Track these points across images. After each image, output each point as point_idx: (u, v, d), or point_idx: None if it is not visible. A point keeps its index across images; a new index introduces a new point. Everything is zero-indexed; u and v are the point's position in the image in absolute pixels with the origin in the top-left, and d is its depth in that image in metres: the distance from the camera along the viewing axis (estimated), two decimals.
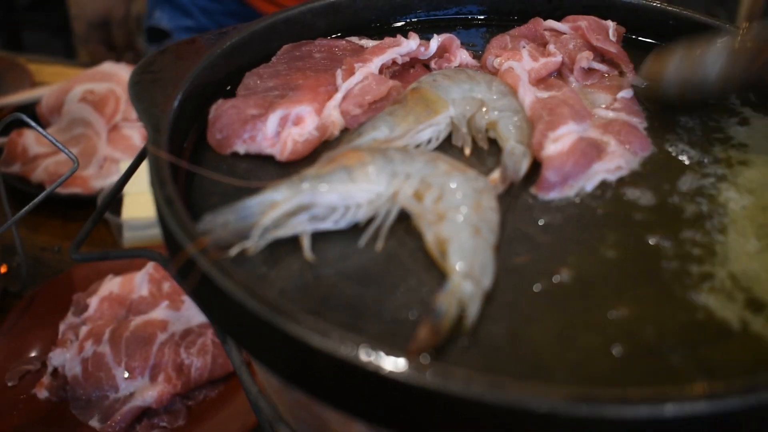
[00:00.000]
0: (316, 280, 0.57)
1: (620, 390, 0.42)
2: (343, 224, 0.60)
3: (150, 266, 1.20)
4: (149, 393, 1.06)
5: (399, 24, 0.92)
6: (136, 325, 1.12)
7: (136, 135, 1.47)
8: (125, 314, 1.16)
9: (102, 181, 1.40)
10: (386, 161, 0.60)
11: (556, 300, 0.55)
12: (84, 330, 1.13)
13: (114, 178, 1.40)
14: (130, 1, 2.08)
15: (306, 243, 0.58)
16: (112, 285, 1.19)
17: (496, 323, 0.53)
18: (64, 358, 1.10)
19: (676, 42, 0.78)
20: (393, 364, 0.44)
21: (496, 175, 0.65)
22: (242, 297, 0.48)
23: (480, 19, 0.93)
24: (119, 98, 1.48)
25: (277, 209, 0.57)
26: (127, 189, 1.31)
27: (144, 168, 1.20)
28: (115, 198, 0.80)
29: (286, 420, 0.63)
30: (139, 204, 1.30)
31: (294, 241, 0.59)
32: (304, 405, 0.58)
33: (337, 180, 0.58)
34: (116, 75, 1.53)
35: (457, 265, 0.54)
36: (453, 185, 0.59)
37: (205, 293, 0.53)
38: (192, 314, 1.14)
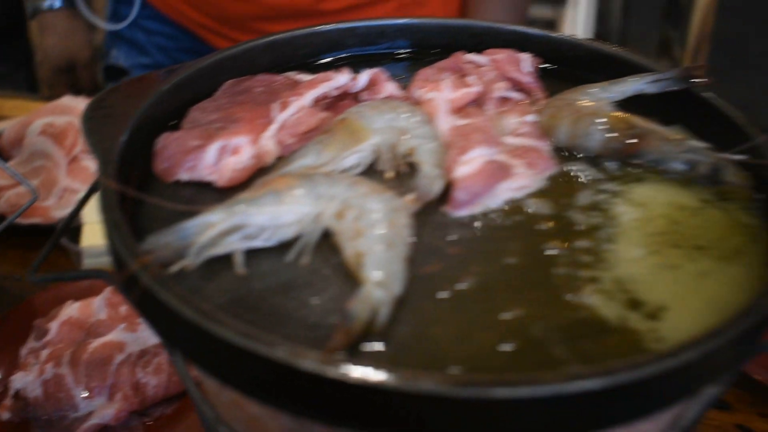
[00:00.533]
0: (247, 292, 0.64)
1: (494, 375, 0.50)
2: (272, 242, 0.67)
3: (108, 291, 1.26)
4: (107, 411, 1.12)
5: (334, 58, 1.00)
6: (94, 348, 1.18)
7: (94, 166, 1.53)
8: (84, 337, 1.21)
9: (62, 211, 1.46)
10: (312, 185, 0.68)
11: (458, 304, 0.63)
12: (45, 353, 1.18)
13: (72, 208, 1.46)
14: (93, 43, 2.14)
15: (239, 259, 0.66)
16: (71, 310, 1.25)
17: (405, 325, 0.61)
18: (25, 381, 1.16)
19: (590, 74, 0.89)
20: (307, 360, 0.51)
21: (411, 196, 0.73)
22: (177, 305, 0.56)
23: (407, 53, 1.02)
24: (78, 131, 1.55)
25: (213, 230, 0.65)
26: (86, 218, 1.38)
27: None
28: (71, 223, 0.86)
29: (225, 421, 0.70)
30: (98, 232, 1.36)
31: (229, 258, 0.67)
32: (238, 404, 0.65)
33: (266, 203, 0.66)
34: (75, 108, 1.59)
35: (370, 274, 0.61)
36: (371, 206, 0.67)
37: (147, 305, 0.60)
38: (148, 335, 1.20)
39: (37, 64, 2.20)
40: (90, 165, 1.53)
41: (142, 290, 0.59)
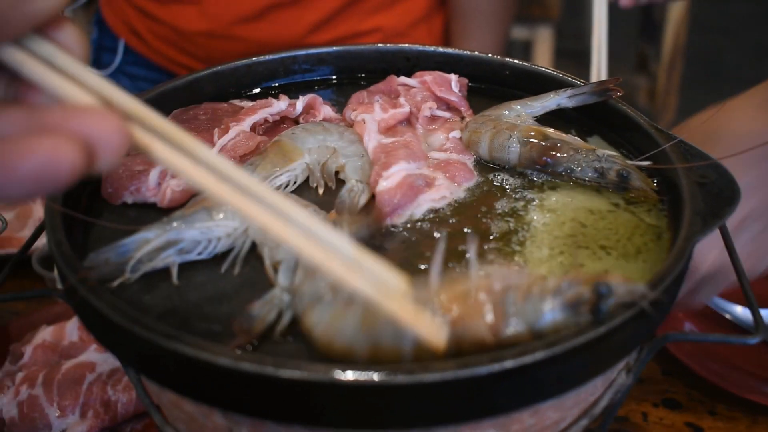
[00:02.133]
0: (182, 302, 0.71)
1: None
2: (206, 255, 0.74)
3: None
4: (79, 428, 1.17)
5: (275, 85, 1.07)
6: (66, 368, 1.24)
7: None
8: (57, 359, 1.27)
9: (38, 242, 1.52)
10: None
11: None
12: (20, 376, 1.24)
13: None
14: None
15: (174, 272, 0.72)
16: (45, 334, 1.31)
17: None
18: (1, 403, 1.21)
19: (516, 90, 0.98)
20: (211, 354, 0.57)
21: (333, 211, 0.80)
22: (108, 312, 0.62)
23: (344, 78, 1.09)
24: None
25: (149, 245, 0.71)
26: None
27: None
28: (31, 244, 0.92)
29: (171, 422, 0.76)
30: None
31: (167, 271, 0.73)
32: (177, 404, 0.71)
33: (199, 219, 0.73)
34: None
35: (281, 280, 0.68)
36: None
37: (85, 313, 0.66)
38: None
39: None
40: None
41: (80, 300, 0.65)
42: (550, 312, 0.59)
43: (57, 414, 1.19)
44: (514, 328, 0.59)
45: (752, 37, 5.52)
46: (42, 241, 1.54)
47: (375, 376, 0.56)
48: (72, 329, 1.30)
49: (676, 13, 3.82)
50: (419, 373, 0.57)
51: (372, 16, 1.70)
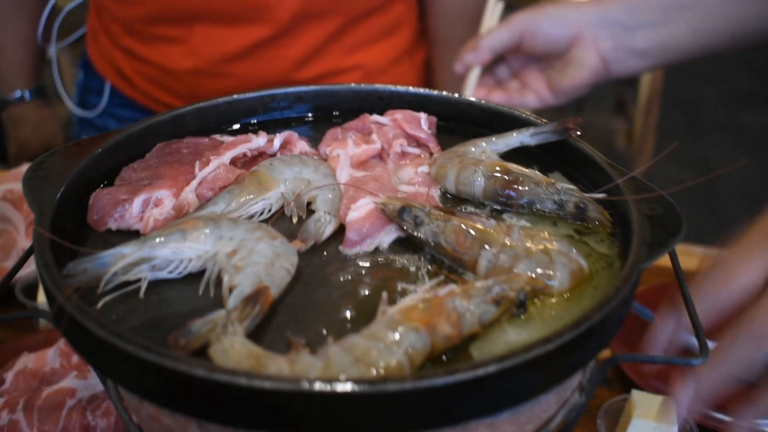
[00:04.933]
0: (162, 318, 0.76)
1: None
2: (177, 274, 0.80)
3: (61, 342, 1.36)
4: None
5: (254, 122, 1.13)
6: (47, 394, 1.28)
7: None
8: (38, 385, 1.31)
9: (21, 271, 1.57)
10: (215, 227, 0.81)
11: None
12: (0, 401, 1.28)
13: (31, 268, 1.56)
14: (66, 127, 2.20)
15: (143, 286, 0.79)
16: (26, 360, 1.35)
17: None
18: None
19: (482, 128, 1.05)
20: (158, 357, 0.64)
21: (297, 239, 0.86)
22: (94, 327, 0.67)
23: (321, 115, 1.16)
24: None
25: (125, 260, 0.77)
26: None
27: None
28: (17, 271, 0.97)
29: None
30: None
31: (149, 288, 0.79)
32: (154, 417, 0.75)
33: (172, 239, 0.79)
34: None
35: (231, 304, 0.74)
36: (259, 248, 0.79)
37: (73, 332, 0.71)
38: (97, 382, 1.30)
39: (10, 157, 2.26)
40: None
41: (68, 318, 0.70)
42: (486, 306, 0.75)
43: None
44: (469, 323, 0.73)
45: (730, 83, 5.64)
46: (25, 270, 1.59)
47: (343, 387, 0.62)
48: (53, 356, 1.35)
49: None
50: (381, 384, 0.62)
51: (353, 53, 1.78)
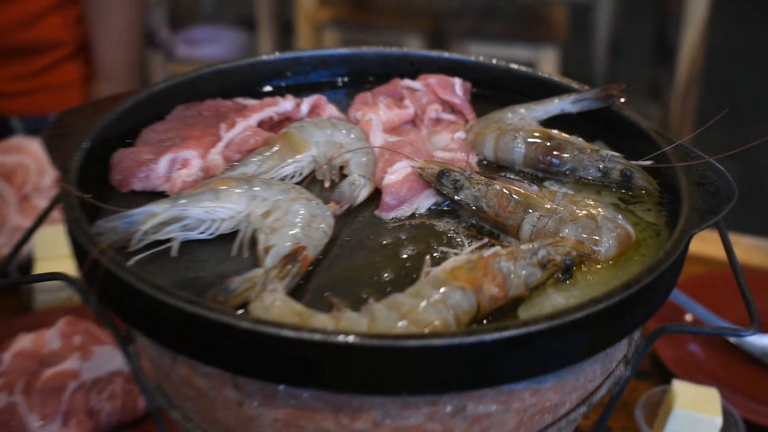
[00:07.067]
0: (196, 278, 0.82)
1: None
2: (209, 234, 0.86)
3: (61, 323, 1.43)
4: None
5: (279, 86, 1.20)
6: (47, 376, 1.34)
7: (45, 204, 1.70)
8: (38, 367, 1.38)
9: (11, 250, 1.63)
10: (249, 187, 0.87)
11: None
12: None
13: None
14: None
15: (175, 246, 0.85)
16: (24, 341, 1.41)
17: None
18: None
19: (519, 96, 1.10)
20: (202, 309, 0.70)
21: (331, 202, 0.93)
22: (133, 281, 0.73)
23: (348, 81, 1.22)
24: (28, 169, 1.72)
25: (156, 218, 0.84)
26: (39, 253, 1.55)
27: (53, 234, 1.44)
28: (24, 242, 1.03)
29: (176, 404, 0.87)
30: (50, 269, 1.53)
31: (181, 249, 0.85)
32: (185, 380, 0.82)
33: (205, 199, 0.85)
34: (26, 148, 1.77)
35: (268, 263, 0.81)
36: (295, 209, 0.86)
37: (107, 286, 0.78)
38: (102, 363, 1.36)
39: None
40: (41, 203, 1.71)
41: (103, 273, 0.76)
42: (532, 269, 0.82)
43: (38, 423, 1.29)
44: (515, 285, 0.80)
45: None
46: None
47: (386, 341, 0.68)
48: (53, 337, 1.41)
49: (691, 38, 3.95)
50: (428, 338, 0.69)
51: None
